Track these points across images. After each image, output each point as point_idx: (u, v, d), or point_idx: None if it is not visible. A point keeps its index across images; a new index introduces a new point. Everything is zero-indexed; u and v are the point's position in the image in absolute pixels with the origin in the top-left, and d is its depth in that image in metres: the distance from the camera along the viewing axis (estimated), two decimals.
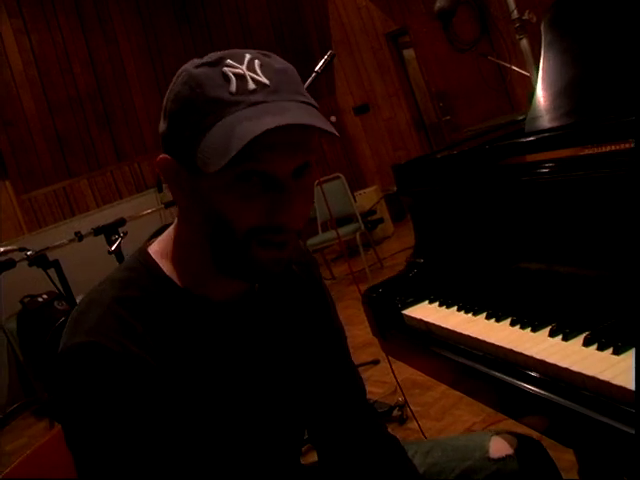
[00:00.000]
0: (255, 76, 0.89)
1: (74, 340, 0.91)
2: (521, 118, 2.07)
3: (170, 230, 1.05)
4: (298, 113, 0.88)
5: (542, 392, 1.07)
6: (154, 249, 1.04)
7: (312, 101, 0.94)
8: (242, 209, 0.90)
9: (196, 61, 0.93)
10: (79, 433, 0.91)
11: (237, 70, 0.89)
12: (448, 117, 7.34)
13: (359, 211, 6.44)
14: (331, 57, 2.21)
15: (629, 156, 1.09)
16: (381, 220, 7.64)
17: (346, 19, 8.67)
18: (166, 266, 1.01)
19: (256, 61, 0.90)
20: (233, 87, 0.87)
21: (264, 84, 0.88)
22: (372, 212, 7.55)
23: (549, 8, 1.58)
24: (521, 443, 1.27)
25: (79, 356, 0.89)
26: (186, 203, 0.97)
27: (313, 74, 2.15)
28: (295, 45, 8.64)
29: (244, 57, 0.91)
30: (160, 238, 1.06)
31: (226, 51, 0.93)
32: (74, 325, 0.94)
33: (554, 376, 1.06)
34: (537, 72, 1.55)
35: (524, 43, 2.64)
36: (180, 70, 0.94)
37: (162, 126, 0.95)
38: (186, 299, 1.00)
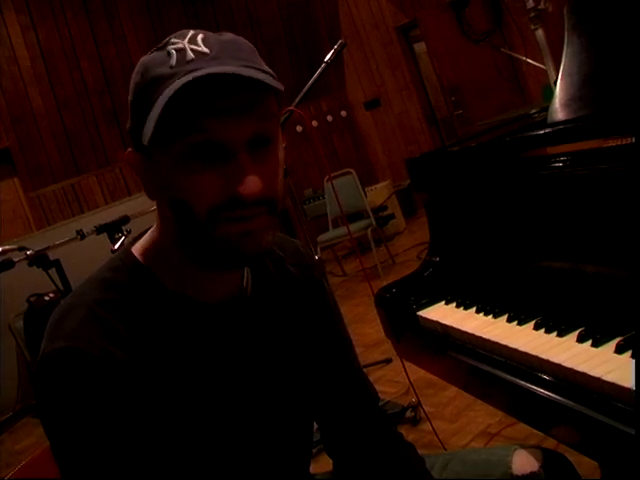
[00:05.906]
0: (195, 47, 0.87)
1: (54, 345, 0.86)
2: (534, 111, 2.00)
3: (152, 230, 1.00)
4: (234, 69, 0.83)
5: (570, 403, 1.00)
6: (137, 249, 0.99)
7: (265, 68, 0.88)
8: (195, 186, 0.86)
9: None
10: (62, 442, 0.86)
11: (178, 45, 0.87)
12: (460, 111, 7.26)
13: (370, 207, 6.38)
14: (341, 47, 2.15)
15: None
16: (392, 216, 7.57)
17: (356, 13, 8.61)
18: (149, 266, 0.96)
19: (200, 35, 0.89)
20: (173, 61, 0.86)
21: (203, 53, 0.86)
22: (383, 208, 7.48)
23: None
24: (547, 458, 1.19)
25: (59, 362, 0.85)
26: (154, 194, 0.94)
27: (323, 64, 2.10)
28: (305, 41, 8.57)
29: (187, 32, 0.89)
30: (143, 238, 1.01)
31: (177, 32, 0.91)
32: (54, 329, 0.89)
33: (584, 386, 0.99)
34: (560, 60, 1.47)
35: (539, 34, 2.56)
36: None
37: (128, 120, 0.93)
38: (171, 300, 0.95)
